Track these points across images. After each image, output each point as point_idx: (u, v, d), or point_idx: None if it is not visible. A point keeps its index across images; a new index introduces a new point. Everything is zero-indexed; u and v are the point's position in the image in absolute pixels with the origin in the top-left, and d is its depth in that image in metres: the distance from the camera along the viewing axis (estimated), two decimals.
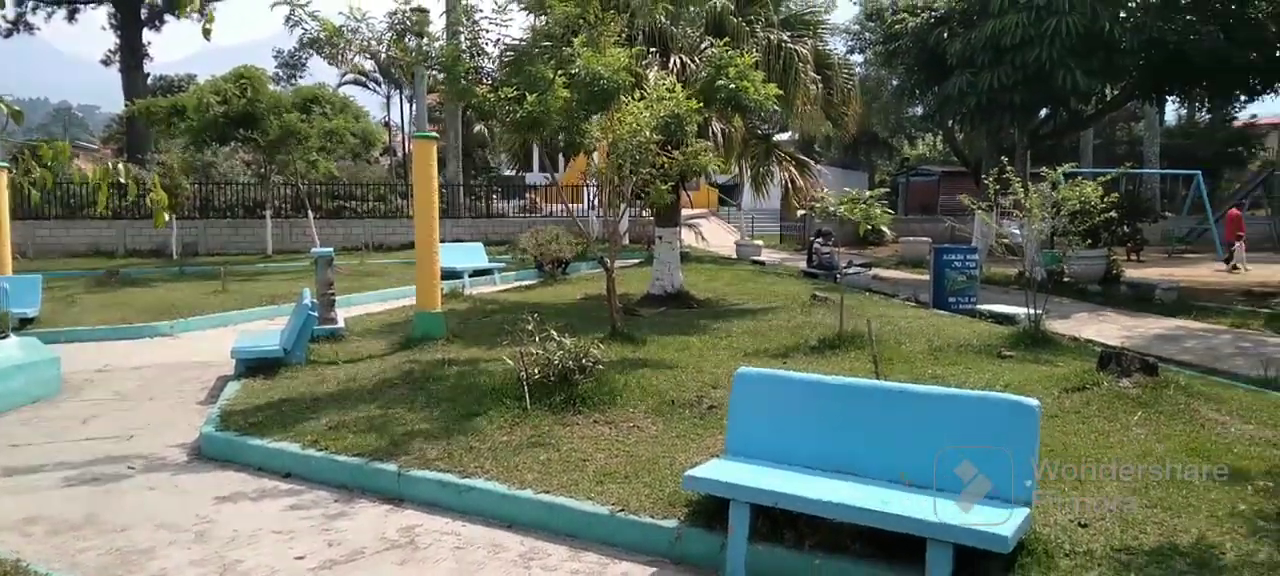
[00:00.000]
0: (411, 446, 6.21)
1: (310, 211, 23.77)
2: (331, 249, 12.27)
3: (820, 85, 12.15)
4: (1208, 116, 41.09)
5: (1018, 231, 11.14)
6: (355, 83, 44.58)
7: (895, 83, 23.21)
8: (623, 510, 5.07)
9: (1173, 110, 42.44)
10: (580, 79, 8.63)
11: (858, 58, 25.69)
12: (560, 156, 18.82)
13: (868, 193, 9.73)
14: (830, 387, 5.09)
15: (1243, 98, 22.19)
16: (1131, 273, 19.04)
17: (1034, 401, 4.31)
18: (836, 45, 18.37)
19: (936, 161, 41.48)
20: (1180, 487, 4.91)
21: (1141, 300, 15.58)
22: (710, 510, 4.85)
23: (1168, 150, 36.97)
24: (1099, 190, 9.12)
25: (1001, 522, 4.02)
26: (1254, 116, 41.91)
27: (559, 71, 9.00)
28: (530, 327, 7.18)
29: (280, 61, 51.41)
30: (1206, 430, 5.89)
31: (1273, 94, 19.65)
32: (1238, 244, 22.25)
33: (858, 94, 15.12)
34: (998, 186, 9.63)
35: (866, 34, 24.56)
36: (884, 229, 9.61)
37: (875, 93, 28.75)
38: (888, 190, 42.35)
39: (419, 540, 5.08)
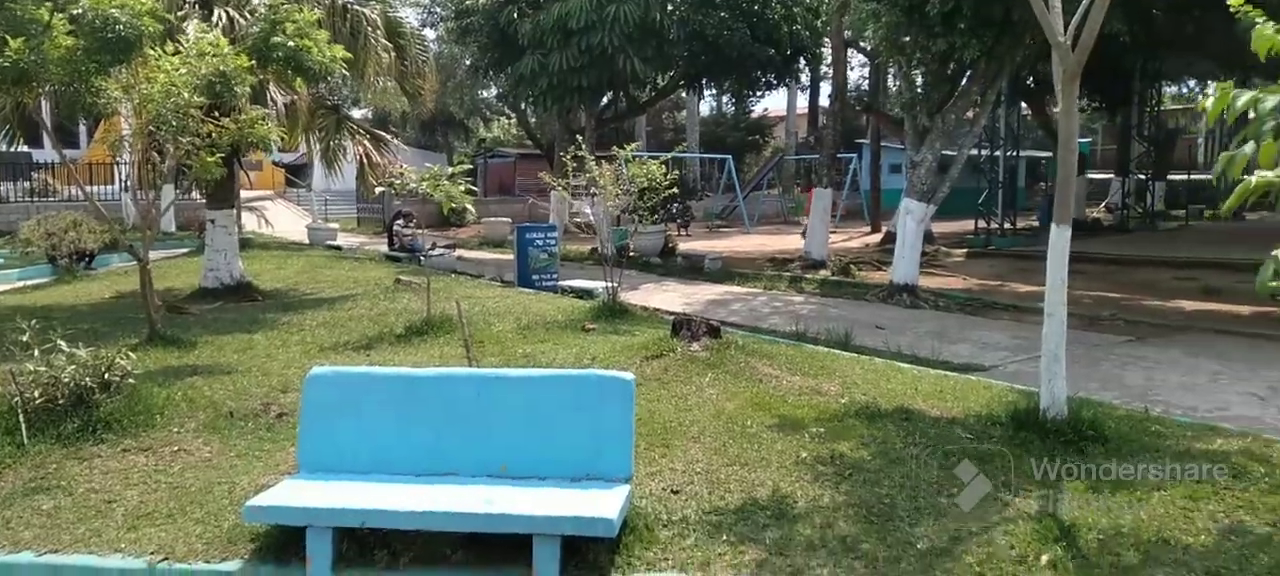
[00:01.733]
0: None
1: None
2: None
3: (393, 54, 11.40)
4: (732, 107, 47.71)
5: (590, 209, 11.57)
6: None
7: (469, 61, 23.10)
8: (165, 560, 4.04)
9: (707, 102, 48.62)
10: (87, 23, 6.91)
11: (431, 33, 25.12)
12: (82, 128, 15.51)
13: (450, 170, 9.29)
14: (418, 381, 4.56)
15: (761, 91, 25.95)
16: (684, 246, 21.21)
17: (629, 375, 4.24)
18: (408, 17, 17.61)
19: (512, 144, 42.59)
20: (753, 442, 5.25)
21: (694, 270, 17.37)
22: (283, 542, 4.05)
23: (702, 138, 42.18)
24: (663, 169, 9.75)
25: (606, 505, 3.87)
26: (766, 110, 49.65)
27: (58, 12, 7.15)
28: (25, 339, 5.55)
29: None
30: (765, 384, 6.46)
31: (784, 87, 23.16)
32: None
33: (433, 69, 14.60)
34: (574, 165, 9.82)
35: (437, 9, 24.07)
36: (468, 208, 9.27)
37: (450, 71, 28.45)
38: (470, 169, 42.69)
39: None
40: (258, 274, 13.65)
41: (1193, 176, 30.64)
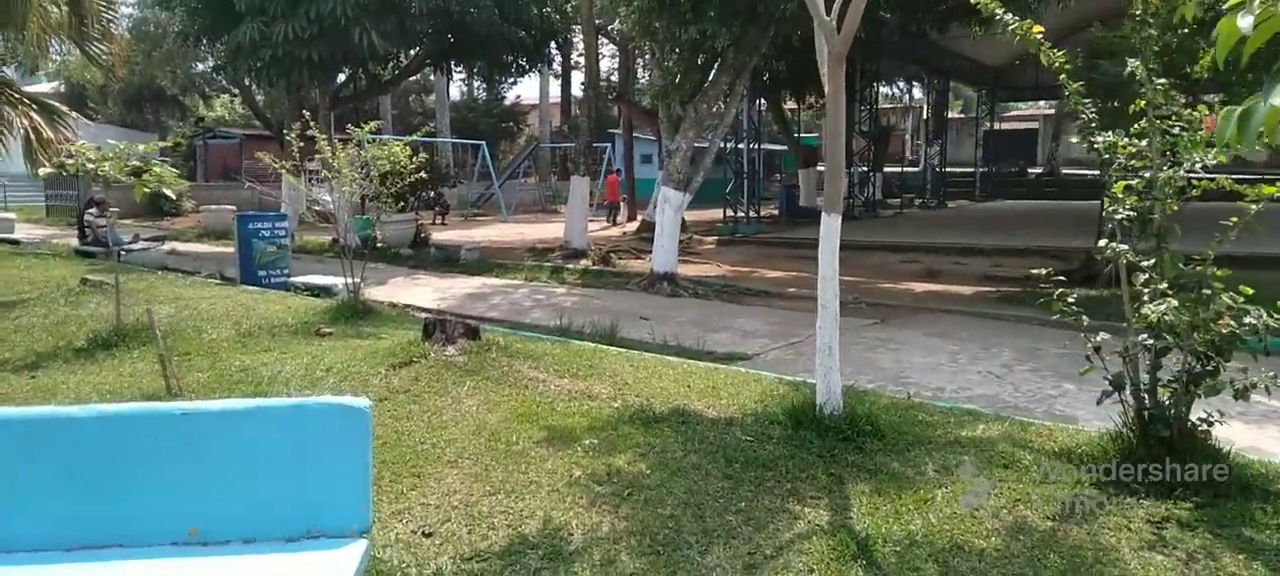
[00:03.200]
0: None
1: None
2: None
3: (66, 10, 9.35)
4: (484, 93, 46.50)
5: (330, 196, 10.32)
6: None
7: (177, 28, 20.20)
8: None
9: (458, 86, 47.03)
10: None
11: None
12: None
13: (142, 146, 7.69)
14: (73, 422, 3.40)
15: (512, 76, 25.15)
16: (438, 236, 20.03)
17: (363, 402, 3.38)
18: None
19: (238, 124, 38.54)
20: (518, 462, 4.57)
21: (449, 261, 16.33)
22: None
23: (454, 123, 40.69)
24: (408, 150, 8.77)
25: (335, 573, 3.02)
26: (519, 97, 48.97)
27: None
28: None
29: None
30: (531, 390, 5.81)
31: (537, 73, 22.52)
32: (620, 204, 25.17)
33: (124, 33, 12.37)
34: (302, 144, 8.57)
35: None
36: (168, 193, 7.74)
37: (157, 40, 24.91)
38: (174, 147, 37.97)
39: None
40: None
41: (904, 169, 33.91)
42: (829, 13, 5.05)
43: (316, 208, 12.13)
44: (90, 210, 14.10)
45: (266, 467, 3.35)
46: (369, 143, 8.96)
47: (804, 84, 25.42)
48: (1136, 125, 4.49)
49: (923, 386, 7.13)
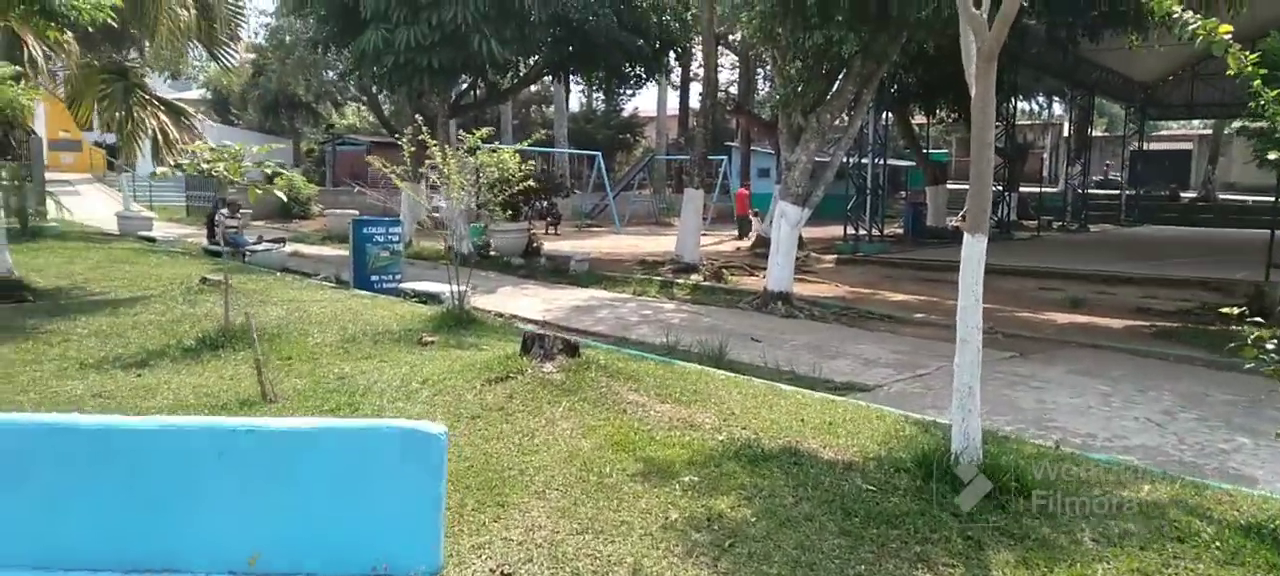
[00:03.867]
0: None
1: None
2: None
3: (194, 12, 9.64)
4: (603, 104, 46.80)
5: (444, 203, 10.27)
6: None
7: (308, 36, 20.96)
8: None
9: (577, 97, 47.54)
10: None
11: (268, 3, 22.71)
12: None
13: (256, 148, 7.74)
14: (136, 434, 3.19)
15: (630, 86, 24.90)
16: (550, 245, 20.00)
17: (437, 427, 3.04)
18: None
19: (367, 131, 40.05)
20: (611, 496, 4.16)
21: (559, 272, 16.19)
22: None
23: (572, 133, 41.04)
24: (517, 157, 8.56)
25: None
26: (637, 109, 49.08)
27: None
28: None
29: None
30: (629, 415, 5.39)
31: (654, 83, 22.21)
32: (754, 218, 24.39)
33: (261, 40, 12.74)
34: (413, 149, 8.48)
35: None
36: (279, 195, 7.75)
37: (291, 48, 26.02)
38: (314, 156, 39.69)
39: None
40: (38, 268, 11.54)
41: (1043, 189, 31.92)
42: (978, 6, 4.45)
43: (434, 214, 12.18)
44: (221, 211, 14.66)
45: (332, 494, 3.06)
46: (480, 149, 8.80)
47: (935, 96, 24.25)
48: None
49: (1070, 432, 6.32)
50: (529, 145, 9.82)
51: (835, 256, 19.66)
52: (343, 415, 5.35)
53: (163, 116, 9.53)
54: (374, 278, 11.76)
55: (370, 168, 10.37)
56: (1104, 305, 12.95)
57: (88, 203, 24.38)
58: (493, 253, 17.44)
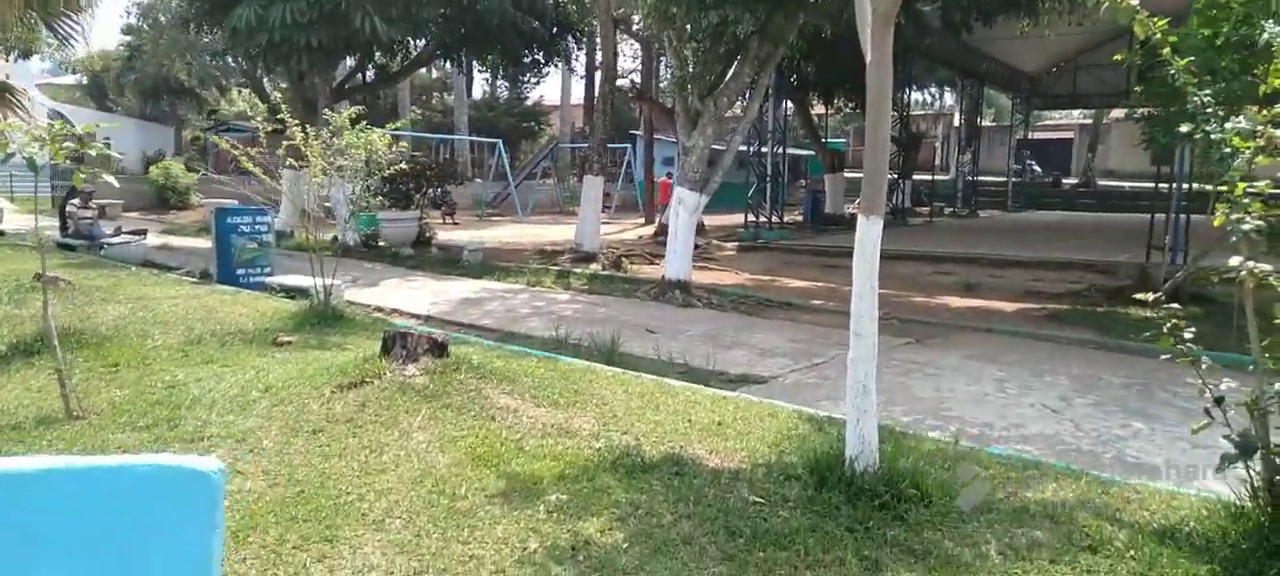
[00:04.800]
0: None
1: None
2: None
3: None
4: (507, 92, 45.71)
5: (335, 192, 9.47)
6: None
7: (178, 10, 19.47)
8: None
9: (481, 85, 46.29)
10: None
11: None
12: None
13: (79, 127, 6.76)
14: None
15: (529, 72, 24.17)
16: (445, 235, 19.10)
17: (212, 465, 2.41)
18: None
19: (264, 118, 38.03)
20: (461, 525, 3.59)
21: (451, 262, 15.41)
22: None
23: (475, 122, 39.88)
24: (386, 138, 7.83)
25: None
26: (541, 97, 48.17)
27: None
28: None
29: None
30: (497, 423, 4.82)
31: (555, 69, 21.49)
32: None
33: (90, 7, 11.54)
34: (270, 131, 7.67)
35: None
36: (111, 180, 6.80)
37: (163, 27, 24.29)
38: (199, 144, 37.39)
39: None
40: None
41: (935, 177, 32.60)
42: None
43: (326, 203, 11.31)
44: (72, 201, 13.34)
45: (67, 556, 2.40)
46: (347, 130, 8.04)
47: (833, 86, 24.49)
48: (1273, 110, 3.43)
49: (968, 421, 6.07)
50: (417, 130, 9.10)
51: (736, 244, 19.46)
52: (156, 432, 4.61)
53: None
54: (240, 271, 10.80)
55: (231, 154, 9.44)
56: (996, 288, 13.04)
57: None
58: (382, 243, 16.51)
